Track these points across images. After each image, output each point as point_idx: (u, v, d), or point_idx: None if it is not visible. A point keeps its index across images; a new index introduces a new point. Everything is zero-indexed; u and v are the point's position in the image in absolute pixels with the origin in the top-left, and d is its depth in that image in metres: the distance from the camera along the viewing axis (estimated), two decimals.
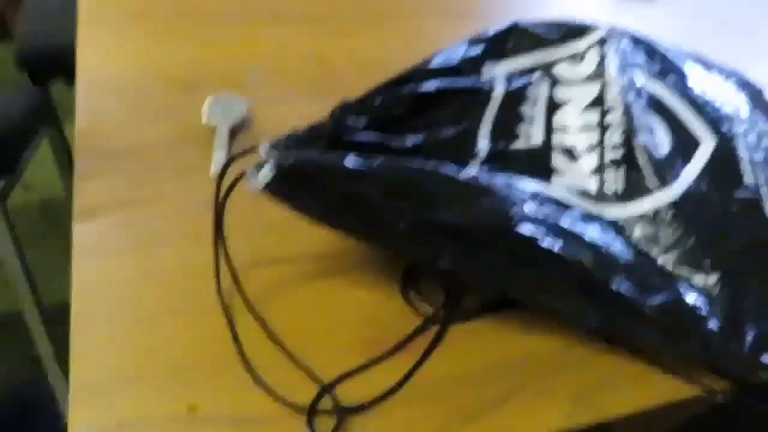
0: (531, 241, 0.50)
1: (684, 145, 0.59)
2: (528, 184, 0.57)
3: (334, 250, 0.58)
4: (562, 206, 0.56)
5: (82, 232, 0.59)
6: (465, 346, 0.56)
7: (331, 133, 0.50)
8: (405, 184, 0.50)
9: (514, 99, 0.60)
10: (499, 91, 0.61)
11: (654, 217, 0.56)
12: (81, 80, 0.66)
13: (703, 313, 0.52)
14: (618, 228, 0.56)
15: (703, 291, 0.54)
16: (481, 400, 0.53)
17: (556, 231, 0.52)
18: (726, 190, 0.57)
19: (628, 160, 0.57)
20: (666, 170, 0.57)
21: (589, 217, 0.56)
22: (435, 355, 0.55)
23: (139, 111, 0.65)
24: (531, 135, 0.61)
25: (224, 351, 0.53)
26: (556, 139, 0.60)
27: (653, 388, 0.55)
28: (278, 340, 0.54)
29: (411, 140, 0.55)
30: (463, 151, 0.58)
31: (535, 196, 0.54)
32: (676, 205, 0.56)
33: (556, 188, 0.57)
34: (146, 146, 0.60)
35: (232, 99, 0.66)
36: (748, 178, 0.58)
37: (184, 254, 0.56)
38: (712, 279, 0.54)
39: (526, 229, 0.50)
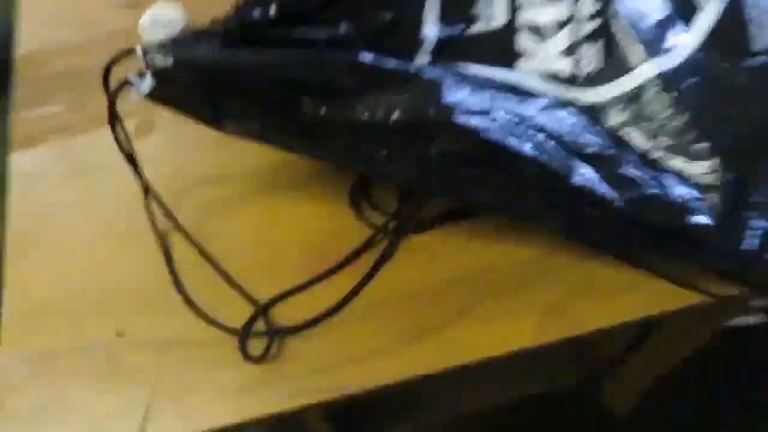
0: (472, 135, 0.43)
1: (679, 8, 0.49)
2: (483, 70, 0.49)
3: (275, 164, 0.53)
4: (525, 94, 0.47)
5: (19, 161, 0.56)
6: (419, 260, 0.49)
7: (232, 28, 0.44)
8: (303, 75, 0.43)
9: None
10: None
11: (637, 96, 0.46)
12: (21, 4, 0.62)
13: (693, 207, 0.43)
14: (594, 114, 0.47)
15: (696, 182, 0.45)
16: (435, 315, 0.47)
17: (508, 121, 0.44)
18: (731, 58, 0.47)
19: (605, 31, 0.48)
20: (655, 41, 0.47)
21: (560, 105, 0.48)
22: (387, 271, 0.49)
23: (81, 32, 0.61)
24: (492, 15, 0.51)
25: (158, 275, 0.49)
26: (522, 16, 0.51)
27: (642, 297, 0.47)
28: (213, 261, 0.49)
29: (328, 32, 0.47)
30: (402, 43, 0.49)
31: (485, 85, 0.46)
32: (666, 79, 0.46)
33: (520, 75, 0.49)
34: (86, 70, 0.55)
35: (171, 12, 0.61)
36: (760, 43, 0.47)
37: (122, 180, 0.52)
38: (710, 166, 0.45)
39: (465, 120, 0.43)
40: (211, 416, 0.44)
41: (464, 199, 0.49)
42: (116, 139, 0.48)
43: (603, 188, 0.43)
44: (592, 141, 0.46)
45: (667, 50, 0.47)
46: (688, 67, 0.47)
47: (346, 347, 0.46)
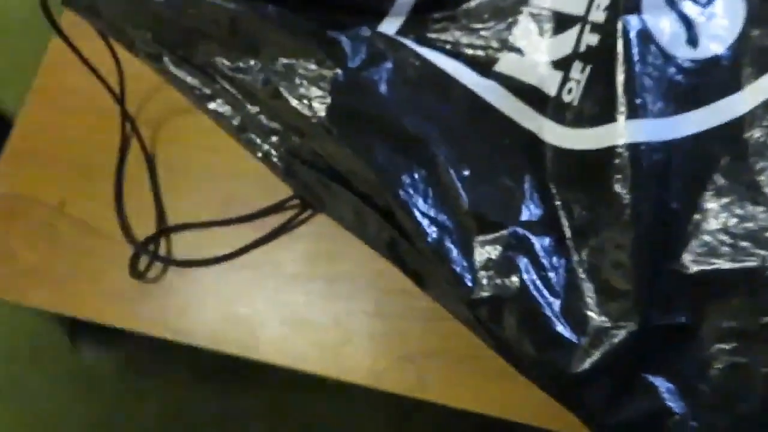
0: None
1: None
2: (447, 63, 0.37)
3: None
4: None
5: None
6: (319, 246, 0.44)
7: None
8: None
9: None
10: None
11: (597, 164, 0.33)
12: None
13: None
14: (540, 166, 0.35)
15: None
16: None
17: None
18: None
19: (605, 53, 0.33)
20: (668, 87, 0.32)
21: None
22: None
23: None
24: None
25: (110, 160, 0.51)
26: None
27: None
28: (155, 173, 0.49)
29: None
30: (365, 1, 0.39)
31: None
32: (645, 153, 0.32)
33: (488, 84, 0.37)
34: None
35: None
36: None
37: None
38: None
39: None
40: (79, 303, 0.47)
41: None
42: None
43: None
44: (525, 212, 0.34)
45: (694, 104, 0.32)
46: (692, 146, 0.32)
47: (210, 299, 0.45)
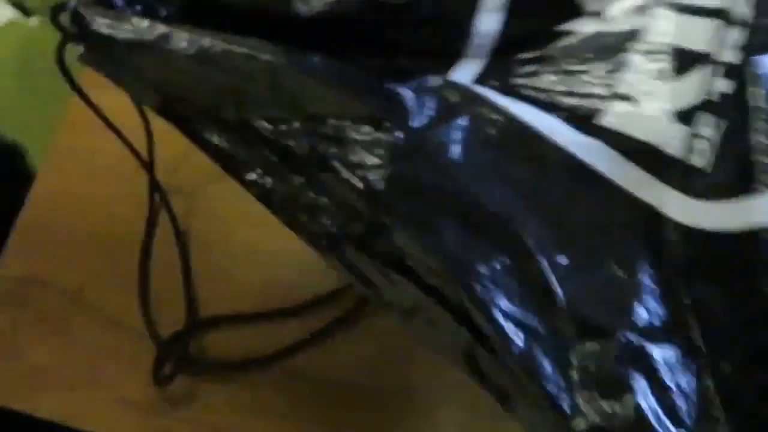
0: None
1: None
2: (534, 116, 0.37)
3: None
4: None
5: None
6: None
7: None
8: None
9: None
10: None
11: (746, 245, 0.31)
12: None
13: None
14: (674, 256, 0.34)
15: None
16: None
17: None
18: None
19: (742, 103, 0.32)
20: None
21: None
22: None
23: None
24: (611, 7, 0.38)
25: (135, 236, 0.53)
26: (656, 25, 0.37)
27: None
28: (187, 252, 0.51)
29: (318, 2, 0.39)
30: (435, 35, 0.39)
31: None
32: None
33: (591, 143, 0.36)
34: None
35: None
36: None
37: None
38: None
39: None
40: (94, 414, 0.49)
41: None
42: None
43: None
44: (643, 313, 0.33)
45: None
46: None
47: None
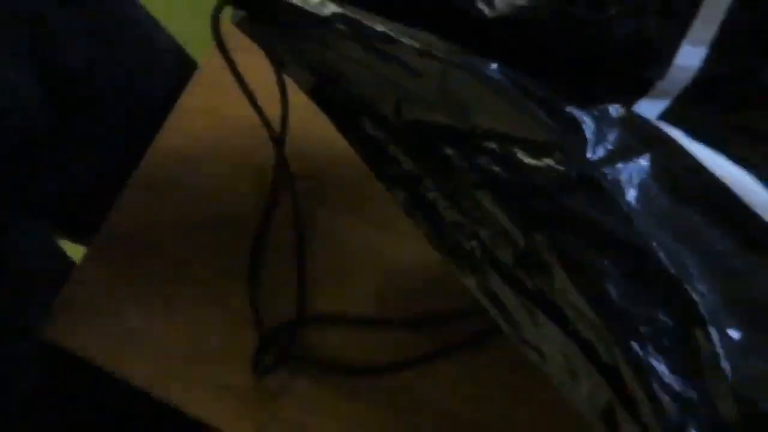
0: None
1: None
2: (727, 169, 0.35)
3: None
4: None
5: None
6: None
7: None
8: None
9: None
10: None
11: None
12: None
13: None
14: None
15: None
16: None
17: None
18: None
19: None
20: None
21: None
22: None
23: None
24: None
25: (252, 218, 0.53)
26: None
27: None
28: (304, 244, 0.50)
29: (505, 4, 0.38)
30: (628, 61, 0.37)
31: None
32: None
33: None
34: None
35: None
36: None
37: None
38: None
39: None
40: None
41: None
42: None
43: None
44: None
45: None
46: None
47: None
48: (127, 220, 0.54)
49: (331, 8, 0.39)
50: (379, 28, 0.38)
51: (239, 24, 0.45)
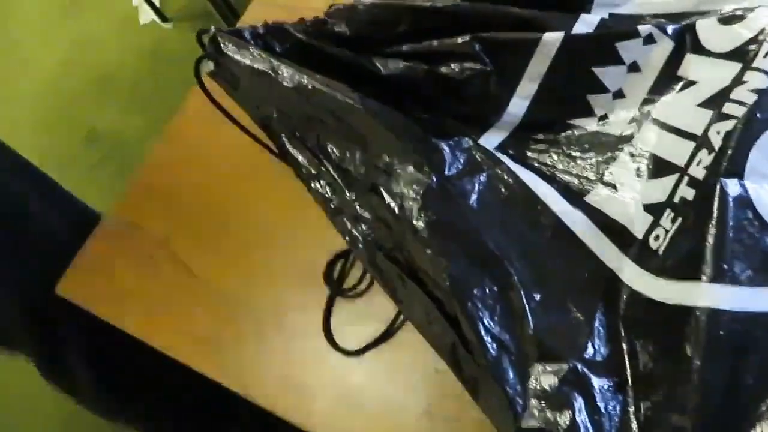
0: None
1: None
2: (539, 186, 0.38)
3: None
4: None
5: None
6: None
7: (301, 38, 0.41)
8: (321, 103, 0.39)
9: (602, 51, 0.38)
10: (572, 31, 0.39)
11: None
12: None
13: None
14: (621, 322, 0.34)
15: None
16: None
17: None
18: None
19: (699, 210, 0.32)
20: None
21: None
22: None
23: None
24: (613, 115, 0.39)
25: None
26: (644, 135, 0.37)
27: None
28: None
29: (394, 65, 0.40)
30: (476, 107, 0.40)
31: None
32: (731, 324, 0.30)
33: (576, 216, 0.36)
34: None
35: None
36: None
37: None
38: None
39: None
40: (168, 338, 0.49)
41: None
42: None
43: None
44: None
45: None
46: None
47: None
48: (120, 211, 0.55)
49: (272, 62, 0.40)
50: (305, 78, 0.40)
51: (212, 74, 0.46)
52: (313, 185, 0.43)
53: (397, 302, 0.40)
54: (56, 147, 1.30)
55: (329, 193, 0.42)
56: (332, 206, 0.42)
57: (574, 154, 0.39)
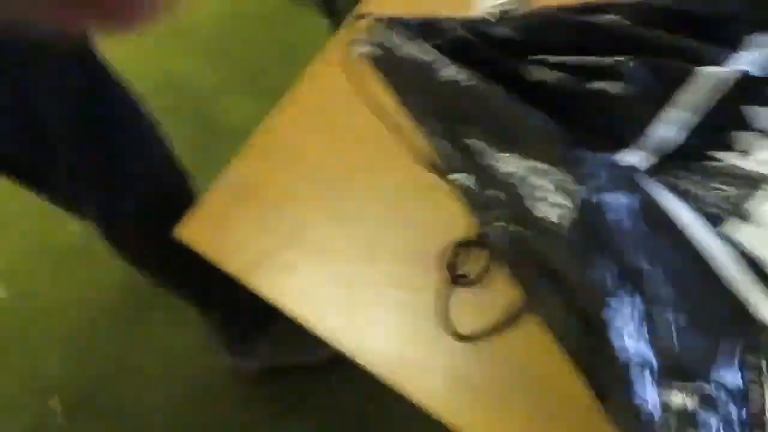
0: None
1: None
2: (686, 216, 0.38)
3: None
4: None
5: None
6: None
7: (458, 38, 0.41)
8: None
9: (756, 92, 0.37)
10: (727, 72, 0.39)
11: None
12: None
13: None
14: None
15: None
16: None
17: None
18: None
19: None
20: None
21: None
22: None
23: None
24: (754, 153, 0.39)
25: None
26: None
27: None
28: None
29: (542, 73, 0.40)
30: (616, 125, 0.40)
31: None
32: None
33: (723, 250, 0.37)
34: None
35: None
36: None
37: None
38: None
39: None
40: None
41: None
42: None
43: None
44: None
45: None
46: None
47: None
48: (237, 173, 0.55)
49: (433, 55, 0.41)
50: (463, 74, 0.40)
51: (367, 58, 0.46)
52: (453, 176, 0.43)
53: (531, 301, 0.40)
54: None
55: (473, 184, 0.42)
56: (477, 200, 0.42)
57: (712, 184, 0.39)
